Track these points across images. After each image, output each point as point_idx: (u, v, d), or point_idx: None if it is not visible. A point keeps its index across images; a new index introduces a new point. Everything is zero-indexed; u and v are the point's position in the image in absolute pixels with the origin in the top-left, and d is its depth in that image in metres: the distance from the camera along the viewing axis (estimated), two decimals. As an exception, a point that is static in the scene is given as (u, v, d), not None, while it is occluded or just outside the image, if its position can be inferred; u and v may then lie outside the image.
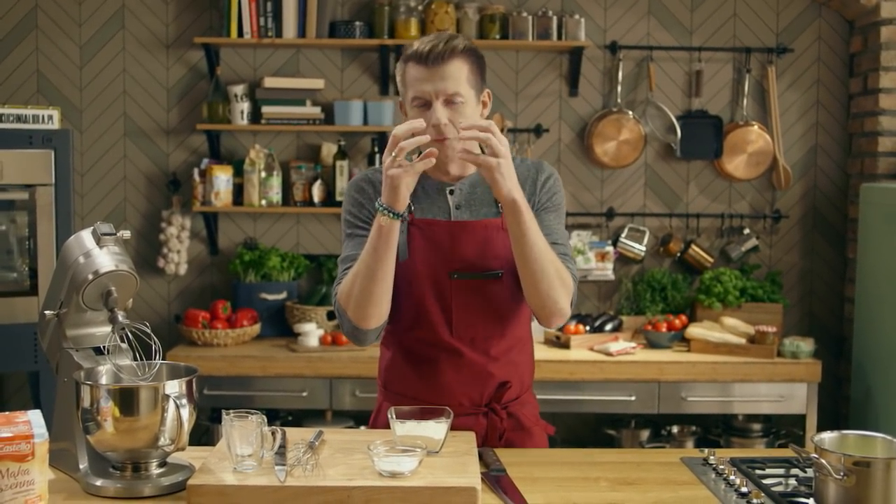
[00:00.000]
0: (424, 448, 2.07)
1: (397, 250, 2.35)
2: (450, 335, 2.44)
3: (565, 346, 4.52)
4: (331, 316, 4.64)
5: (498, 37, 4.69)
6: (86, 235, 2.19)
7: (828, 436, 2.04)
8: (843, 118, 4.94)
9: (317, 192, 4.72)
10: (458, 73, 2.33)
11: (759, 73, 4.90)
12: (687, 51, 4.88)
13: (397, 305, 2.45)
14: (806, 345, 4.43)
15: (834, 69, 4.93)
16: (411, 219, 2.43)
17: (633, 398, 4.37)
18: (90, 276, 2.12)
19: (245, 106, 4.71)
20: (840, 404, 4.88)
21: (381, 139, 4.78)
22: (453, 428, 2.31)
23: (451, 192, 2.46)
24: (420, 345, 2.47)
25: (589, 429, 4.88)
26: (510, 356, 2.50)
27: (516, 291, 2.45)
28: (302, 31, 4.67)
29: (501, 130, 4.71)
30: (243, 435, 2.03)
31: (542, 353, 4.41)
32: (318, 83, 4.77)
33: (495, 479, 2.15)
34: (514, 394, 2.53)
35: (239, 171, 4.75)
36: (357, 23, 4.67)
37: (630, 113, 4.85)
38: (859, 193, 4.56)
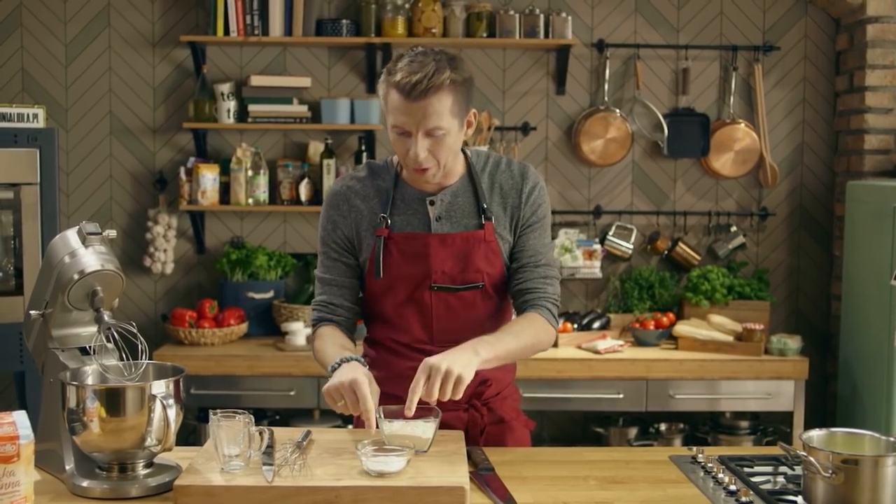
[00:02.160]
0: (412, 447, 2.07)
1: (370, 267, 2.38)
2: (430, 343, 2.43)
3: (553, 344, 4.51)
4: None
5: (485, 35, 4.69)
6: (71, 235, 2.18)
7: (816, 433, 2.04)
8: (829, 116, 4.95)
9: (304, 190, 4.71)
10: (441, 107, 2.25)
11: (745, 70, 4.91)
12: (674, 49, 4.88)
13: (378, 312, 2.46)
14: (793, 342, 4.44)
15: (820, 67, 4.94)
16: (388, 234, 2.41)
17: (620, 396, 4.37)
18: (76, 276, 2.11)
19: (231, 104, 4.69)
20: (827, 401, 4.89)
21: (368, 137, 4.76)
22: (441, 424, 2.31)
23: (432, 203, 2.42)
24: (401, 348, 2.46)
25: (577, 427, 4.88)
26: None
27: (498, 301, 2.47)
28: (288, 30, 4.65)
29: (488, 129, 4.71)
30: (230, 435, 2.02)
31: (529, 351, 4.40)
32: (304, 81, 4.76)
33: (483, 478, 2.14)
34: (495, 390, 2.54)
35: (226, 170, 4.73)
36: (344, 21, 4.66)
37: (617, 111, 4.85)
38: (845, 191, 4.57)
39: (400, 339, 2.46)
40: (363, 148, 4.73)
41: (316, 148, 4.79)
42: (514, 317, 2.50)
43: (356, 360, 2.27)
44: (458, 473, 2.03)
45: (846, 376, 4.51)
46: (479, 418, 2.48)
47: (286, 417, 4.59)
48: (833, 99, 4.94)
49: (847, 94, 4.80)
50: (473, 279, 2.42)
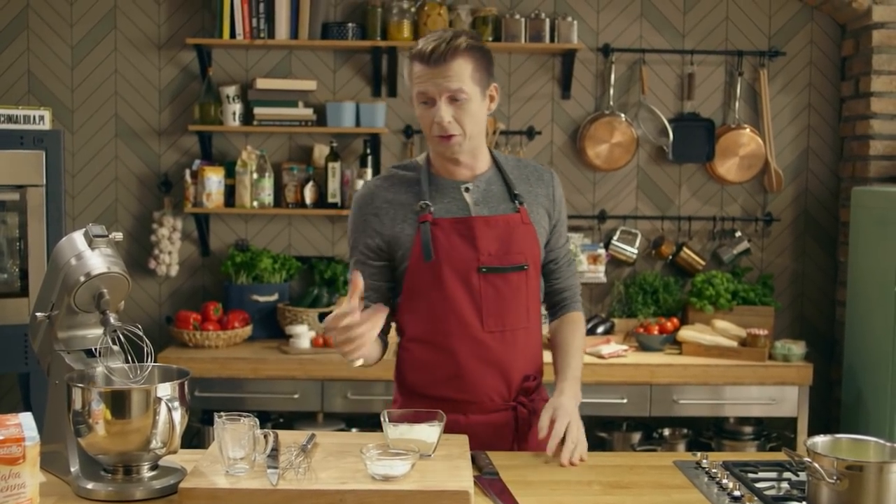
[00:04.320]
0: (417, 451, 2.07)
1: (422, 251, 2.42)
2: (481, 329, 2.45)
3: (557, 348, 4.51)
4: (322, 318, 4.63)
5: (490, 39, 4.69)
6: (77, 237, 2.19)
7: (821, 439, 2.04)
8: (834, 122, 4.95)
9: (309, 193, 4.71)
10: (461, 71, 2.34)
11: (751, 76, 4.91)
12: (679, 54, 4.88)
13: (425, 304, 2.47)
14: (797, 348, 4.44)
15: (826, 73, 4.94)
16: (431, 219, 2.44)
17: (624, 401, 4.37)
18: (82, 278, 2.11)
19: (237, 107, 4.70)
20: (831, 407, 4.88)
21: (373, 141, 4.77)
22: (485, 424, 2.41)
23: (467, 190, 2.49)
24: (452, 340, 2.46)
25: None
26: (531, 348, 2.54)
27: (537, 284, 2.54)
28: (294, 33, 4.66)
29: (493, 133, 4.71)
30: (235, 438, 2.02)
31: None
32: (310, 84, 4.76)
33: (488, 482, 2.15)
34: (535, 385, 2.58)
35: (231, 173, 4.74)
36: (350, 24, 4.67)
37: (622, 116, 4.85)
38: (850, 197, 4.56)
39: (449, 329, 2.45)
40: (368, 151, 4.74)
41: (321, 151, 4.79)
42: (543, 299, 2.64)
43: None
44: (462, 478, 2.03)
45: (850, 382, 4.50)
46: (525, 416, 2.52)
47: (290, 420, 4.60)
48: (838, 104, 4.94)
49: (852, 99, 4.80)
50: (517, 260, 2.48)
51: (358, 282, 2.18)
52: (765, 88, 4.86)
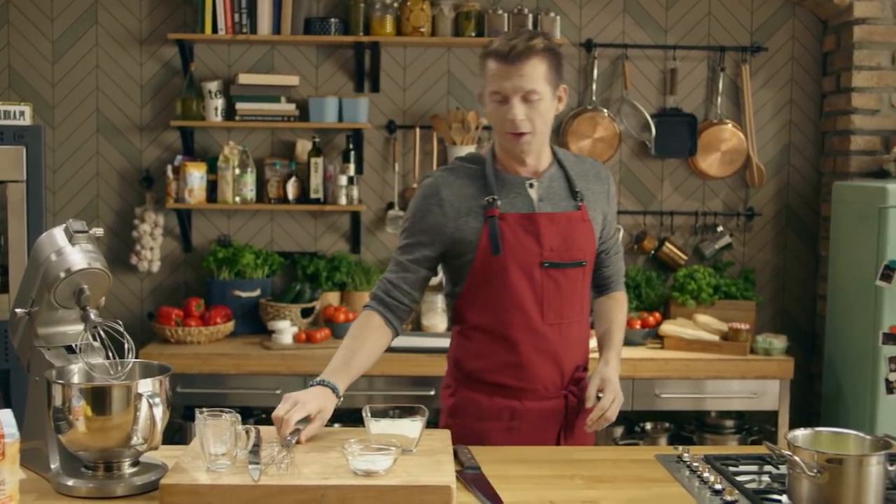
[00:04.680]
0: (399, 446, 2.07)
1: (489, 245, 2.49)
2: (541, 321, 2.54)
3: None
4: (305, 313, 4.62)
5: (473, 34, 4.69)
6: (58, 233, 2.18)
7: (801, 433, 2.05)
8: (816, 117, 4.97)
9: (291, 189, 4.70)
10: (536, 72, 2.42)
11: (733, 71, 4.93)
12: (662, 49, 4.89)
13: (488, 296, 2.54)
14: (778, 342, 4.45)
15: (807, 68, 4.96)
16: (497, 213, 2.51)
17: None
18: (62, 275, 2.10)
19: (219, 102, 4.68)
20: (812, 401, 4.91)
21: (355, 136, 4.76)
22: (540, 411, 2.53)
23: (532, 186, 2.56)
24: (513, 330, 2.54)
25: (563, 426, 4.88)
26: (582, 340, 2.65)
27: (589, 278, 2.66)
28: (277, 28, 4.64)
29: (476, 128, 4.71)
30: (217, 433, 2.02)
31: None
32: (292, 80, 4.75)
33: (470, 477, 2.15)
34: (584, 376, 2.68)
35: (213, 168, 4.72)
36: (332, 19, 4.66)
37: (605, 111, 4.85)
38: (832, 191, 4.59)
39: (512, 321, 2.53)
40: (351, 147, 4.73)
41: (303, 146, 4.78)
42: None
43: (329, 386, 2.42)
44: (444, 472, 2.03)
45: (831, 376, 4.53)
46: (574, 403, 2.62)
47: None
48: (820, 100, 4.96)
49: (834, 95, 4.82)
50: (577, 257, 2.58)
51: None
52: (747, 84, 4.88)
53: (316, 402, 2.32)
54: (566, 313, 2.57)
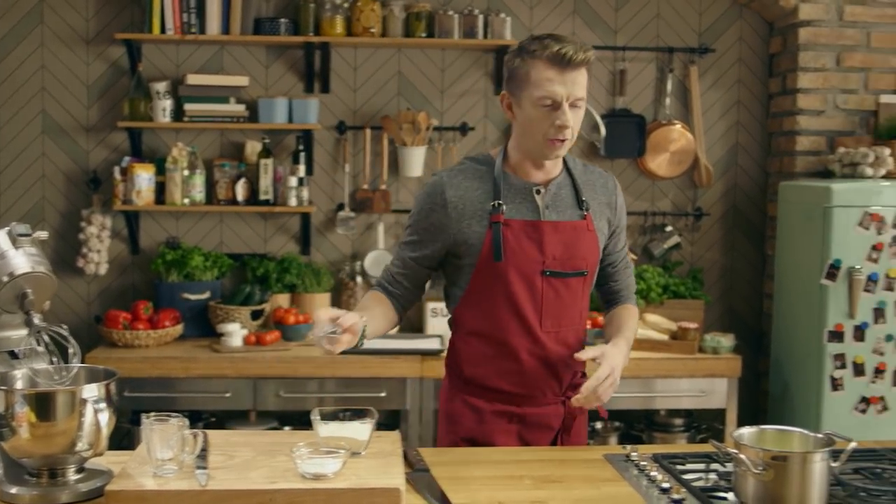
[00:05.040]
0: (348, 449, 2.06)
1: (492, 250, 2.50)
2: (539, 328, 2.54)
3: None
4: (255, 315, 4.59)
5: (424, 35, 4.69)
6: (1, 236, 2.14)
7: (747, 431, 2.08)
8: (762, 117, 5.03)
9: (241, 190, 4.67)
10: (584, 80, 2.45)
11: (681, 72, 4.97)
12: (611, 50, 4.92)
13: (488, 302, 2.54)
14: (726, 340, 4.50)
15: (754, 69, 5.01)
16: (502, 219, 2.51)
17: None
18: (5, 279, 2.07)
19: (167, 103, 4.63)
20: (759, 399, 4.97)
21: (306, 137, 4.74)
22: (538, 417, 2.53)
23: (538, 192, 2.55)
24: (512, 337, 2.54)
25: (515, 426, 4.90)
26: (579, 346, 2.63)
27: (590, 289, 2.65)
28: (226, 28, 4.61)
29: (427, 128, 4.71)
30: (163, 438, 2.00)
31: (468, 351, 4.42)
32: (242, 80, 4.72)
33: (419, 479, 2.15)
34: (582, 382, 2.64)
35: (161, 170, 4.67)
36: (282, 20, 4.63)
37: (555, 112, 4.87)
38: (778, 192, 4.64)
39: (510, 327, 2.54)
40: (301, 148, 4.71)
41: (253, 147, 4.75)
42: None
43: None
44: (393, 475, 2.03)
45: (777, 374, 4.59)
46: (572, 408, 2.61)
47: (222, 419, 4.56)
48: (766, 101, 5.02)
49: (780, 96, 4.88)
50: (580, 266, 2.58)
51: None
52: (695, 85, 4.92)
53: (350, 318, 2.31)
54: (565, 322, 2.57)
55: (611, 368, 2.43)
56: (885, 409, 4.19)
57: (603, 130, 4.84)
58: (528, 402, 2.59)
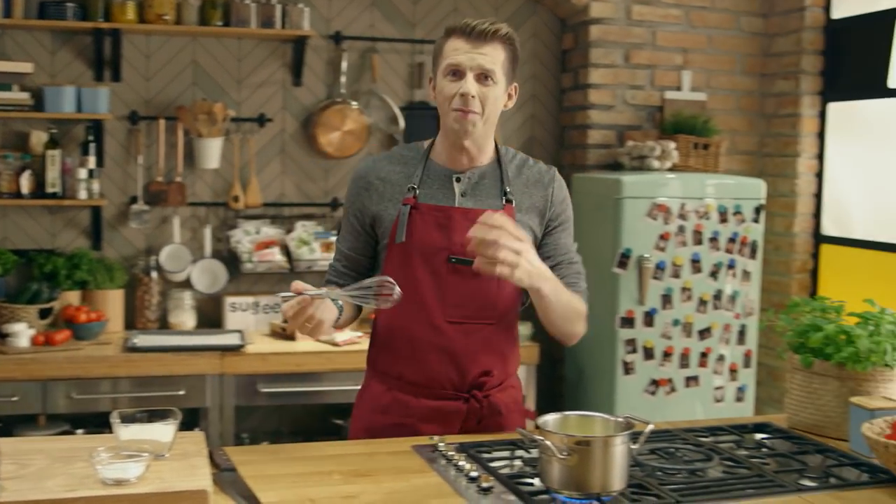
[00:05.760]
0: (152, 452, 1.99)
1: (395, 232, 2.46)
2: (442, 318, 2.48)
3: (290, 338, 4.48)
4: (43, 314, 4.37)
5: (220, 24, 4.58)
6: None
7: (551, 417, 2.12)
8: (556, 111, 5.18)
9: (25, 182, 4.43)
10: (496, 56, 2.41)
11: (477, 66, 5.04)
12: (410, 43, 4.95)
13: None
14: (524, 329, 4.61)
15: (547, 65, 5.15)
16: (414, 203, 2.48)
17: (359, 387, 4.38)
18: None
19: (-58, 90, 4.35)
20: (555, 384, 5.12)
21: (95, 127, 4.54)
22: (435, 410, 2.46)
23: (458, 180, 2.52)
24: (412, 325, 2.49)
25: (316, 420, 4.87)
26: (496, 344, 2.56)
27: (512, 286, 2.48)
28: (8, 11, 4.35)
29: (223, 120, 4.61)
30: (-52, 449, 1.87)
31: (266, 346, 4.37)
32: (26, 67, 4.47)
33: (227, 479, 2.10)
34: (497, 381, 2.59)
35: (-64, 161, 4.39)
36: (69, 4, 4.41)
37: (354, 103, 4.87)
38: (572, 184, 4.79)
39: (411, 314, 2.48)
40: (91, 138, 4.51)
41: (39, 138, 4.51)
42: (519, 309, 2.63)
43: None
44: (199, 476, 1.97)
45: (573, 360, 4.74)
46: (477, 409, 2.54)
47: (9, 424, 4.31)
48: (560, 95, 5.17)
49: (572, 91, 5.04)
50: None
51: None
52: (491, 79, 5.01)
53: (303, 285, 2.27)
54: (473, 314, 2.50)
55: (514, 232, 2.19)
56: (673, 390, 4.41)
57: (402, 122, 4.87)
58: (425, 393, 2.53)
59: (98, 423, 4.31)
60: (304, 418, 4.89)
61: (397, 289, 2.29)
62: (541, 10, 5.11)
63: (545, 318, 2.47)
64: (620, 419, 2.12)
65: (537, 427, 2.06)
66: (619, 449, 2.01)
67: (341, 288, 2.45)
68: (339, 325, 2.51)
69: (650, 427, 2.11)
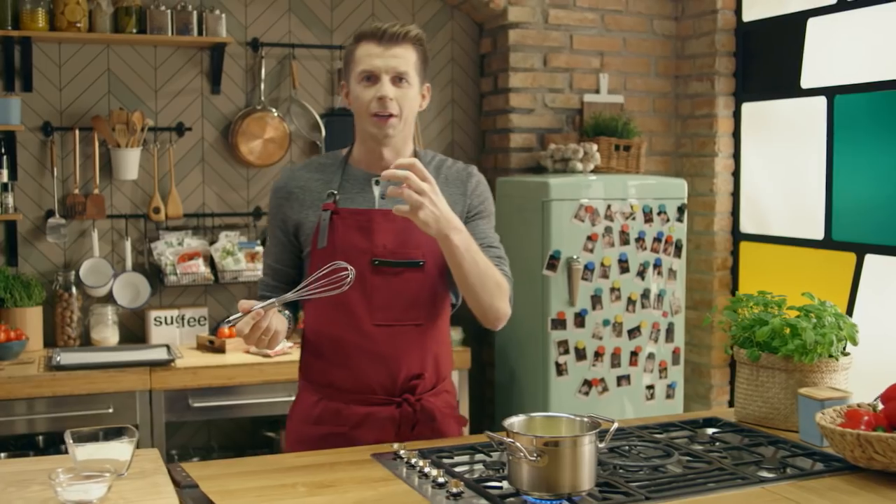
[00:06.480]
0: (112, 471, 1.92)
1: (316, 238, 2.45)
2: (369, 322, 2.46)
3: (220, 350, 4.39)
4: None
5: (135, 31, 4.46)
6: None
7: (517, 420, 2.12)
8: (476, 116, 5.19)
9: (-66, 198, 4.26)
10: (409, 57, 2.47)
11: (397, 72, 5.02)
12: (328, 49, 4.91)
13: None
14: (455, 334, 4.61)
15: (466, 69, 5.16)
16: (334, 208, 2.49)
17: (293, 398, 4.30)
18: None
19: None
20: (485, 388, 5.12)
21: (7, 139, 4.38)
22: (367, 417, 2.45)
23: (377, 183, 2.53)
24: (340, 330, 2.48)
25: (246, 433, 4.78)
26: (427, 346, 2.55)
27: (438, 282, 2.52)
28: None
29: (141, 129, 4.50)
30: None
31: (196, 359, 4.27)
32: (-70, 78, 4.31)
33: (191, 496, 2.04)
34: (429, 384, 2.57)
35: None
36: (-25, 12, 4.27)
37: (274, 111, 4.80)
38: (496, 187, 4.80)
39: (338, 319, 2.47)
40: (2, 151, 4.35)
41: (-54, 151, 4.35)
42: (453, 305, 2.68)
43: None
44: (163, 494, 1.92)
45: (504, 363, 4.75)
46: (410, 414, 2.52)
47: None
48: (479, 100, 5.19)
49: (492, 95, 5.06)
50: (414, 255, 2.50)
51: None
52: (411, 84, 4.99)
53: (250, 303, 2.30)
54: (400, 316, 2.50)
55: (430, 189, 2.24)
56: (605, 389, 4.45)
57: (323, 129, 4.82)
58: (357, 399, 2.52)
59: (20, 447, 4.15)
60: (235, 433, 4.79)
61: (351, 268, 2.29)
62: (458, 14, 5.12)
63: (463, 285, 2.43)
64: (586, 419, 2.12)
65: (504, 429, 2.05)
66: (588, 448, 2.01)
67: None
68: (288, 335, 2.52)
69: (615, 425, 2.13)
